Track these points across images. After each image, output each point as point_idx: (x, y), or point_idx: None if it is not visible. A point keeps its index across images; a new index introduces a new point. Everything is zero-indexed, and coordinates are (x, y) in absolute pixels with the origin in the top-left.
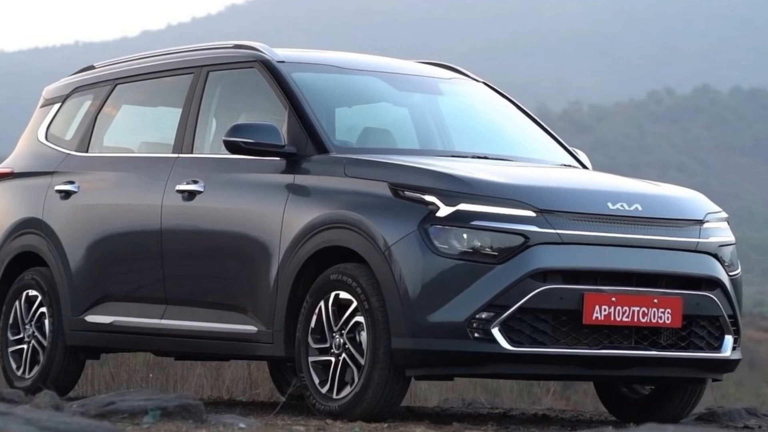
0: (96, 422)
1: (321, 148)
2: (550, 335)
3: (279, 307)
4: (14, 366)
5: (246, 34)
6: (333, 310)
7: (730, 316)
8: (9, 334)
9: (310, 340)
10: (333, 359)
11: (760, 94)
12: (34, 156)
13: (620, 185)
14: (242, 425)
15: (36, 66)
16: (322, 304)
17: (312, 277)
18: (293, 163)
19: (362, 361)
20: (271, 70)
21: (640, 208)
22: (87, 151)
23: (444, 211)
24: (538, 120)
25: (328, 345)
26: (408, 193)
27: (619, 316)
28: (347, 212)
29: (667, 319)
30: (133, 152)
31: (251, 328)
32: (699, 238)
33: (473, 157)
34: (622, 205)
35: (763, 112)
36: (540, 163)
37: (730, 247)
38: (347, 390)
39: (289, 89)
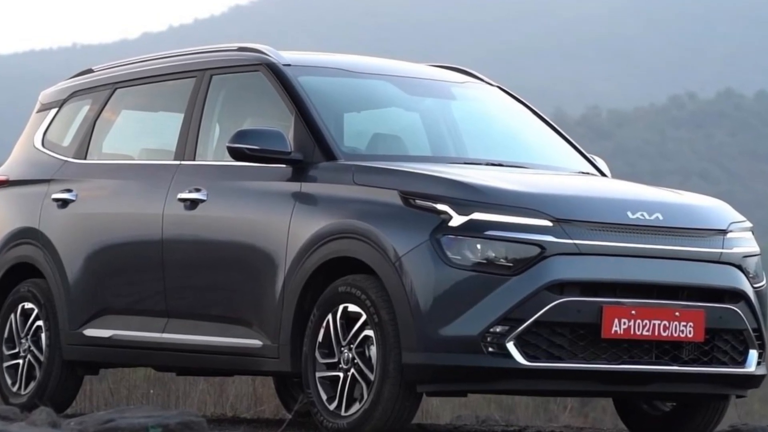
0: None
1: (329, 154)
2: (568, 349)
3: (285, 320)
4: (9, 382)
5: (250, 36)
6: (341, 324)
7: (754, 330)
8: (4, 349)
9: (317, 354)
10: (341, 374)
11: None
12: (30, 163)
13: (640, 193)
14: None
15: (32, 69)
16: (329, 317)
17: (319, 289)
18: (300, 170)
19: (372, 377)
20: (276, 73)
21: (661, 218)
22: (85, 158)
23: (457, 220)
24: (555, 125)
25: (336, 360)
26: (419, 202)
27: (639, 330)
28: (356, 222)
29: (689, 332)
30: (133, 159)
31: (256, 342)
32: (722, 248)
33: (487, 164)
34: (642, 215)
35: None
36: (557, 171)
37: (755, 258)
38: (356, 407)
39: (295, 93)
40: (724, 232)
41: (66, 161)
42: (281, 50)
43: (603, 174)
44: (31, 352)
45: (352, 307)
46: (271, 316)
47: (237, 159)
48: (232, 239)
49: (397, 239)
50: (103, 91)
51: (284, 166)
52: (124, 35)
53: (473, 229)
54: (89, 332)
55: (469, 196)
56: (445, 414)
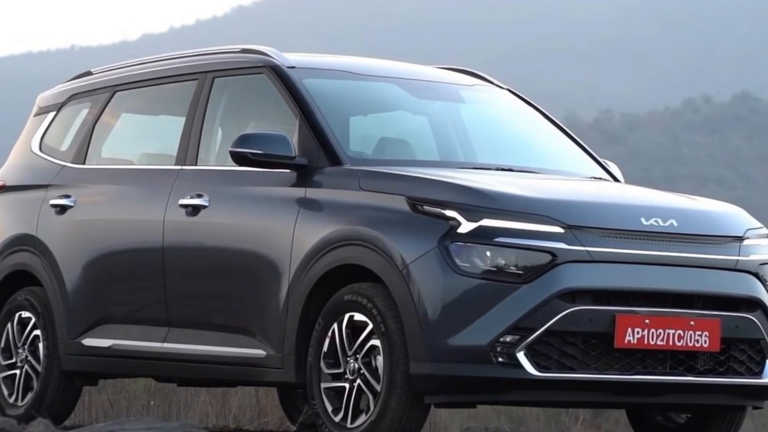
0: None
1: (334, 159)
2: (580, 360)
3: (289, 329)
4: (6, 393)
5: (254, 38)
6: (347, 333)
7: None
8: (0, 359)
9: (322, 364)
10: (347, 385)
11: None
12: (27, 168)
13: (654, 199)
14: None
15: (29, 72)
16: (335, 326)
17: (324, 297)
18: (304, 175)
19: (378, 388)
20: (280, 76)
21: (675, 224)
22: (84, 163)
23: (466, 227)
24: (567, 129)
25: (341, 370)
26: (427, 208)
27: (652, 340)
28: (362, 228)
29: (705, 342)
30: (134, 164)
31: (259, 352)
32: (739, 255)
33: (497, 169)
34: (656, 221)
35: None
36: (568, 176)
37: None
38: (362, 418)
39: (300, 96)
40: (740, 239)
41: (64, 166)
42: (285, 52)
43: (616, 179)
44: (28, 362)
45: (358, 316)
46: (274, 325)
47: (240, 164)
48: (234, 246)
49: (404, 246)
50: (103, 94)
51: (288, 171)
52: (124, 37)
53: (482, 236)
54: (88, 342)
55: (478, 202)
56: (453, 426)
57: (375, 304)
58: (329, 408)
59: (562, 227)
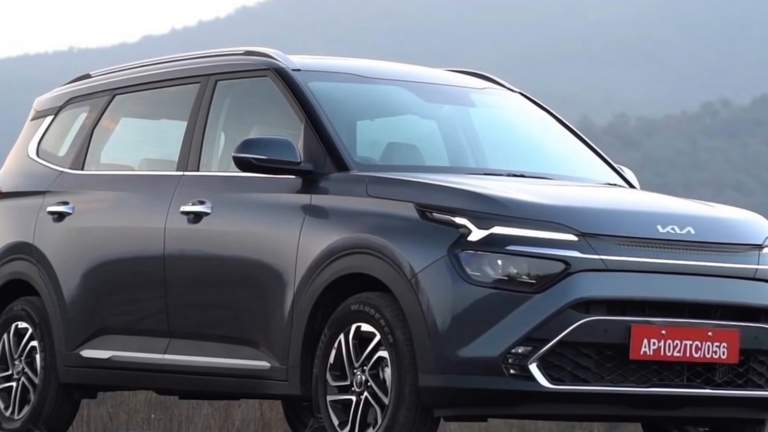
0: None
1: (340, 165)
2: (594, 371)
3: (294, 340)
4: (2, 405)
5: (257, 40)
6: (354, 344)
7: None
8: None
9: (328, 377)
10: (354, 398)
11: None
12: (24, 174)
13: (671, 206)
14: None
15: (27, 74)
16: (341, 337)
17: (331, 307)
18: (310, 181)
19: (386, 401)
20: (285, 79)
21: (692, 232)
22: (82, 169)
23: (476, 234)
24: (581, 134)
25: (348, 382)
26: (437, 215)
27: (669, 351)
28: (370, 236)
29: (723, 353)
30: (134, 170)
31: (264, 364)
32: (758, 264)
33: (508, 175)
34: (672, 228)
35: None
36: (582, 182)
37: None
38: None
39: (305, 100)
40: (759, 247)
41: (62, 172)
42: (290, 54)
43: (631, 185)
44: (25, 374)
45: (366, 327)
46: (279, 336)
47: (243, 169)
48: (238, 255)
49: (413, 255)
50: (102, 97)
51: (293, 177)
52: (124, 38)
53: (494, 244)
54: (87, 353)
55: (489, 209)
56: None
57: (383, 315)
58: (335, 421)
59: (576, 235)
